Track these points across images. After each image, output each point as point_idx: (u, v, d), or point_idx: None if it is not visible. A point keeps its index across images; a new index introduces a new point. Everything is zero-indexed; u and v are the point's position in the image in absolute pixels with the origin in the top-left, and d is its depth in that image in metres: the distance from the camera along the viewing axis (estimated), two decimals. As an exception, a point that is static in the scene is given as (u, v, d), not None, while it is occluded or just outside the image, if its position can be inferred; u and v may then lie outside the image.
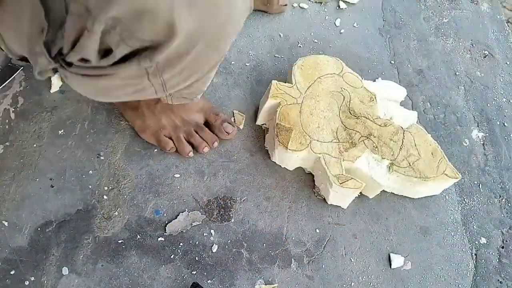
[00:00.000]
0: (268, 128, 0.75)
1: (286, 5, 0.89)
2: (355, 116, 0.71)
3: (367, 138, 0.70)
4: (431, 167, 0.69)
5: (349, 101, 0.73)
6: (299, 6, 0.92)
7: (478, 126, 0.84)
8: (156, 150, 0.72)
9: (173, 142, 0.70)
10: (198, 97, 0.62)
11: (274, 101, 0.71)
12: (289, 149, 0.67)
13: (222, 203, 0.69)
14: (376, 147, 0.69)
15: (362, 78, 0.76)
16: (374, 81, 0.82)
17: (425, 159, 0.70)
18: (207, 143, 0.71)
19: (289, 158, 0.70)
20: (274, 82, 0.73)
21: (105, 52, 0.41)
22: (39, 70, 0.44)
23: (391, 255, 0.68)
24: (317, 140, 0.69)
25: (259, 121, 0.76)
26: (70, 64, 0.42)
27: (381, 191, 0.71)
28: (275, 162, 0.73)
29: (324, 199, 0.71)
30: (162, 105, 0.68)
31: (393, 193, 0.73)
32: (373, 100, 0.73)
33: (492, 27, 0.98)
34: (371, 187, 0.69)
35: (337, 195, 0.68)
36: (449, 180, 0.69)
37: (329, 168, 0.66)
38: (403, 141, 0.70)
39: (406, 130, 0.72)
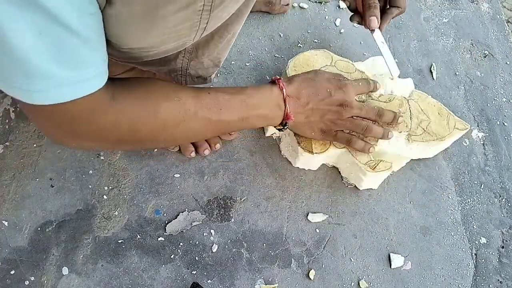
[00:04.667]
0: (279, 137, 0.75)
1: (287, 5, 0.89)
2: (361, 100, 0.71)
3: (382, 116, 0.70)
4: (442, 126, 0.72)
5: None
6: (299, 6, 0.92)
7: (478, 126, 0.84)
8: (156, 150, 0.72)
9: None
10: (212, 77, 0.65)
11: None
12: (315, 153, 0.68)
13: (222, 203, 0.69)
14: (388, 124, 0.69)
15: (352, 61, 0.76)
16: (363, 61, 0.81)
17: (435, 120, 0.73)
18: (209, 144, 0.71)
19: (314, 160, 0.71)
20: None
21: None
22: None
23: (391, 255, 0.68)
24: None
25: (268, 133, 0.75)
26: None
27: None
28: (274, 162, 0.73)
29: (355, 186, 0.73)
30: None
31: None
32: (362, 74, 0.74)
33: (492, 27, 0.98)
34: (398, 162, 0.71)
35: (370, 179, 0.69)
36: (461, 132, 0.73)
37: (357, 158, 0.67)
38: (410, 110, 0.72)
39: (409, 99, 0.73)
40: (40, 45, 0.34)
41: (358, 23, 0.75)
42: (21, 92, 0.37)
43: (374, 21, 0.70)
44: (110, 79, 0.45)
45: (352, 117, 0.64)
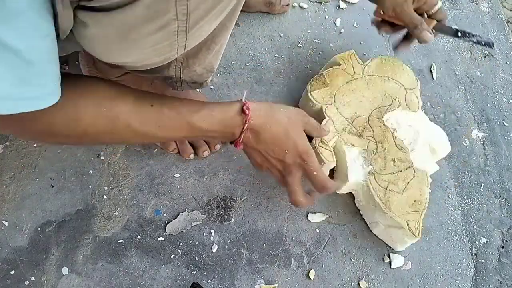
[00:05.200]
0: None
1: (287, 5, 0.89)
2: (383, 122, 0.70)
3: (375, 142, 0.69)
4: (401, 207, 0.64)
5: (391, 110, 0.72)
6: (299, 6, 0.92)
7: (478, 126, 0.84)
8: (156, 150, 0.72)
9: (176, 143, 0.70)
10: (208, 81, 0.63)
11: (338, 61, 0.75)
12: (311, 94, 0.71)
13: (222, 203, 0.69)
14: (375, 153, 0.68)
15: (419, 109, 0.73)
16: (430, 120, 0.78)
17: (403, 198, 0.65)
18: (208, 145, 0.71)
19: (305, 106, 0.73)
20: (352, 50, 0.76)
21: None
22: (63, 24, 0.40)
23: (391, 255, 0.68)
24: (337, 109, 0.71)
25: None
26: None
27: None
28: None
29: None
30: None
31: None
32: (410, 127, 0.71)
33: (492, 27, 0.98)
34: (339, 177, 0.69)
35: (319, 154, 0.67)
36: (407, 232, 0.63)
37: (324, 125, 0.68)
38: (401, 171, 0.67)
39: (413, 168, 0.68)
40: None
41: (386, 33, 0.76)
42: None
43: (428, 35, 0.69)
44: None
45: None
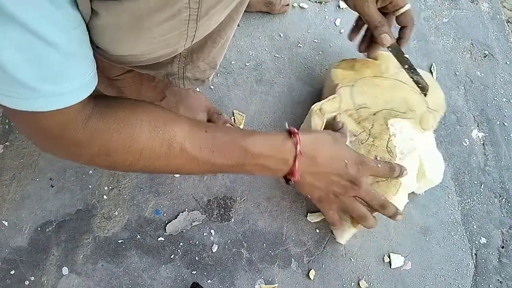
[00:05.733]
0: None
1: (288, 5, 0.89)
2: (386, 123, 0.69)
3: (369, 134, 0.69)
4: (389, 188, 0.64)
5: (402, 118, 0.70)
6: (299, 6, 0.92)
7: (478, 126, 0.84)
8: (156, 150, 0.72)
9: None
10: (210, 78, 0.63)
11: (377, 57, 0.75)
12: (334, 69, 0.71)
13: (222, 203, 0.69)
14: (362, 143, 0.67)
15: (430, 131, 0.71)
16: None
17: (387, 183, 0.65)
18: None
19: (325, 80, 0.74)
20: (391, 54, 0.72)
21: None
22: None
23: (391, 255, 0.68)
24: (351, 92, 0.70)
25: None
26: None
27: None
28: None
29: None
30: (168, 102, 0.69)
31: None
32: (411, 140, 0.69)
33: (492, 27, 0.98)
34: None
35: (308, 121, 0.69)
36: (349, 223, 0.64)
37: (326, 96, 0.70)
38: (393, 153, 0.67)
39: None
40: (18, 58, 0.34)
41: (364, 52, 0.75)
42: (1, 97, 0.37)
43: (386, 37, 0.66)
44: (96, 97, 0.44)
45: (355, 196, 0.60)
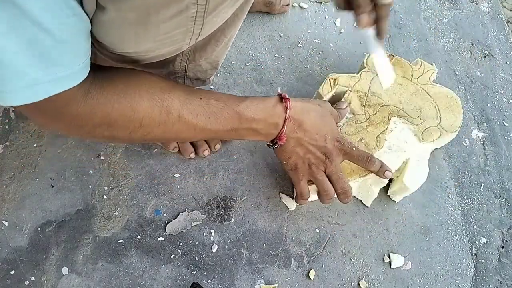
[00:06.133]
0: None
1: (288, 5, 0.89)
2: (389, 117, 0.70)
3: (367, 119, 0.70)
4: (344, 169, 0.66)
5: (408, 120, 0.70)
6: (299, 6, 0.92)
7: (478, 126, 0.84)
8: (156, 150, 0.72)
9: (177, 142, 0.70)
10: (211, 79, 0.64)
11: (419, 61, 0.77)
12: (369, 59, 0.74)
13: (222, 203, 0.69)
14: (356, 123, 0.69)
15: (429, 144, 0.70)
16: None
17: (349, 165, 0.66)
18: (209, 145, 0.71)
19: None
20: (435, 70, 0.76)
21: None
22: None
23: (391, 255, 0.68)
24: (372, 78, 0.72)
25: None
26: None
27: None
28: (274, 162, 0.73)
29: None
30: None
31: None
32: (406, 143, 0.69)
33: (492, 27, 0.98)
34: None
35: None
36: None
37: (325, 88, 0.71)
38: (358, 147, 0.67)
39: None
40: (10, 42, 0.34)
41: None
42: None
43: (362, 18, 0.63)
44: (94, 70, 0.45)
45: (324, 171, 0.62)
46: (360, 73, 0.73)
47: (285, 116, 0.57)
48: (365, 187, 0.69)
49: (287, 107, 0.57)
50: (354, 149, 0.62)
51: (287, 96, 0.58)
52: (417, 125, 0.70)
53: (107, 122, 0.47)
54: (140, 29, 0.44)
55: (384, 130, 0.69)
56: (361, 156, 0.62)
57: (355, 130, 0.69)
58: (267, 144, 0.62)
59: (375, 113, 0.70)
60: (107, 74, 0.47)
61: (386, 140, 0.68)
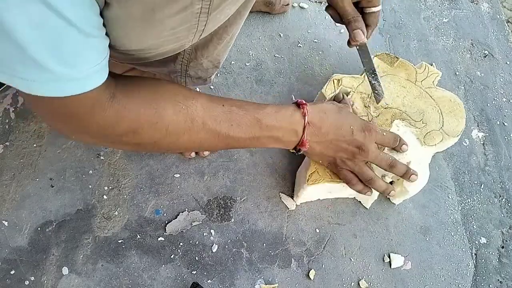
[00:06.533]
0: None
1: (288, 5, 0.89)
2: (391, 121, 0.70)
3: (371, 119, 0.70)
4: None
5: (410, 123, 0.70)
6: (299, 6, 0.92)
7: (478, 126, 0.84)
8: (156, 150, 0.72)
9: None
10: (212, 78, 0.64)
11: (423, 65, 0.77)
12: (376, 57, 0.74)
13: (222, 203, 0.69)
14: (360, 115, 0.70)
15: (430, 148, 0.70)
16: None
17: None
18: None
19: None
20: (439, 74, 0.76)
21: None
22: None
23: (391, 255, 0.68)
24: (377, 79, 0.70)
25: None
26: None
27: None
28: (274, 162, 0.73)
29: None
30: None
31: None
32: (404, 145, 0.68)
33: (492, 27, 0.98)
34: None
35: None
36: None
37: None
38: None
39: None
40: (37, 37, 0.34)
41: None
42: (21, 82, 0.37)
43: (359, 33, 0.65)
44: (115, 77, 0.45)
45: (364, 162, 0.63)
46: (363, 74, 0.73)
47: (304, 123, 0.58)
48: None
49: (305, 113, 0.58)
50: (384, 133, 0.63)
51: (304, 102, 0.59)
52: (419, 128, 0.70)
53: (133, 129, 0.47)
54: (145, 25, 0.44)
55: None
56: (389, 139, 0.64)
57: None
58: (291, 151, 0.62)
59: (378, 115, 0.70)
60: (130, 81, 0.48)
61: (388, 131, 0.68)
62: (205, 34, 0.49)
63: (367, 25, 0.68)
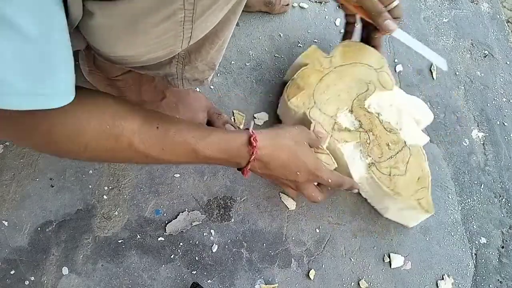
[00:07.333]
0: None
1: (288, 5, 0.89)
2: (366, 110, 0.71)
3: (366, 132, 0.69)
4: (408, 188, 0.66)
5: (369, 95, 0.72)
6: (299, 6, 0.92)
7: (478, 126, 0.84)
8: (156, 150, 0.72)
9: None
10: (209, 79, 0.63)
11: (304, 61, 0.74)
12: (290, 102, 0.69)
13: (222, 203, 0.69)
14: (369, 143, 0.68)
15: (398, 86, 0.74)
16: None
17: (408, 179, 0.66)
18: None
19: (287, 115, 0.72)
20: (314, 46, 0.76)
21: None
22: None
23: (391, 255, 0.68)
24: (319, 109, 0.69)
25: (286, 77, 0.77)
26: None
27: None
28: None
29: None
30: (168, 103, 0.68)
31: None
32: (391, 106, 0.72)
33: (492, 27, 0.98)
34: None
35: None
36: (420, 210, 0.65)
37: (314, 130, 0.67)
38: (397, 153, 0.68)
39: (407, 146, 0.69)
40: None
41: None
42: None
43: (391, 23, 0.67)
44: None
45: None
46: (308, 116, 0.69)
47: (249, 159, 0.55)
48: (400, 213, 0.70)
49: (253, 152, 0.55)
50: (330, 180, 0.61)
51: (257, 138, 0.55)
52: (374, 89, 0.72)
53: (51, 139, 0.45)
54: (129, 34, 0.43)
55: (380, 120, 0.70)
56: (336, 183, 0.62)
57: (381, 150, 0.68)
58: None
59: (360, 122, 0.70)
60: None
61: (389, 122, 0.70)
62: (194, 40, 0.49)
63: (396, 17, 0.69)
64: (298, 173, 0.59)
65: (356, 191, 0.64)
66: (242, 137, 0.56)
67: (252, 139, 0.55)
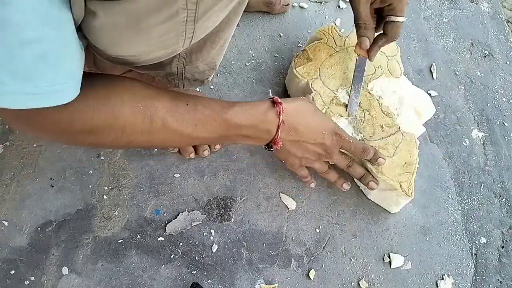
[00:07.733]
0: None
1: (288, 5, 0.89)
2: (368, 91, 0.72)
3: (362, 110, 0.71)
4: (393, 170, 0.66)
5: (375, 78, 0.73)
6: (299, 6, 0.92)
7: (478, 126, 0.84)
8: (156, 149, 0.72)
9: None
10: (209, 79, 0.63)
11: (319, 36, 0.76)
12: (296, 70, 0.72)
13: (222, 203, 0.69)
14: (363, 121, 0.70)
15: (401, 75, 0.76)
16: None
17: (394, 162, 0.67)
18: (209, 145, 0.71)
19: (292, 83, 0.75)
20: (333, 24, 0.78)
21: None
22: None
23: (391, 255, 0.68)
24: (322, 82, 0.71)
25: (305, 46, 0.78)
26: None
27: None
28: (274, 162, 0.73)
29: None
30: None
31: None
32: (394, 92, 0.73)
33: (492, 27, 0.98)
34: None
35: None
36: (400, 192, 0.66)
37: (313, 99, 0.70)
38: (389, 136, 0.69)
39: (401, 132, 0.70)
40: None
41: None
42: None
43: (365, 41, 0.65)
44: None
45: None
46: (310, 86, 0.71)
47: (278, 122, 0.56)
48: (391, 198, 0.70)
49: (279, 112, 0.56)
50: (351, 141, 0.63)
51: (279, 100, 0.57)
52: (382, 73, 0.74)
53: (88, 129, 0.46)
54: (131, 33, 0.43)
55: (379, 103, 0.71)
56: (357, 147, 0.63)
57: (373, 129, 0.70)
58: (264, 147, 0.62)
59: (360, 100, 0.71)
60: (89, 80, 0.46)
61: (388, 106, 0.71)
62: (196, 40, 0.49)
63: (384, 35, 0.66)
64: (323, 132, 0.60)
65: (382, 161, 0.65)
66: (265, 103, 0.58)
67: (274, 101, 0.57)
